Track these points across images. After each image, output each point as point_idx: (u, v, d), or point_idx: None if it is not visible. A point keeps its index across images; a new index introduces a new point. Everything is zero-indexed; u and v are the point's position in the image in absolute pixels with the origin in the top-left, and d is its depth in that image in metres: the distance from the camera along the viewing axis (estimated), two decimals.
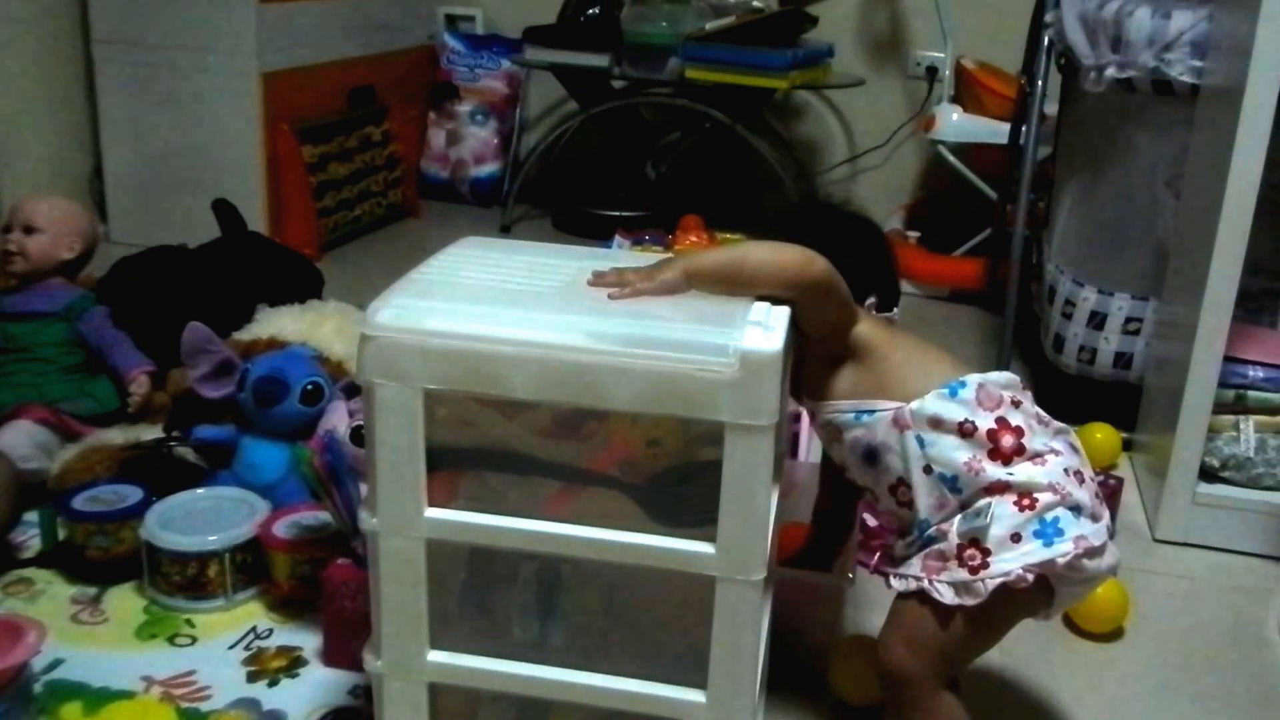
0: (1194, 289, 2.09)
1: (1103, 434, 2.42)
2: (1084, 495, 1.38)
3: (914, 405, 1.37)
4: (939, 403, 1.37)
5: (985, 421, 1.36)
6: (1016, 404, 1.39)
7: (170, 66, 3.40)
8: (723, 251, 1.38)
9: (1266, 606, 1.99)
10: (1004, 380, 1.40)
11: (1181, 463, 2.14)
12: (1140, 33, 2.32)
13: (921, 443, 1.38)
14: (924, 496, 1.39)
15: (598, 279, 1.33)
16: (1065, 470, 1.38)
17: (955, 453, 1.37)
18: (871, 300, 1.51)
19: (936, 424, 1.36)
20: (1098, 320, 2.55)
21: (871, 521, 1.96)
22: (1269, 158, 1.96)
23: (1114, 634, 1.87)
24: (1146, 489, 2.32)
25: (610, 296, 1.30)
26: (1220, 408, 2.14)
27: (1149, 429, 2.41)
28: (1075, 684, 1.76)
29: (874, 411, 1.40)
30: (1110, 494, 2.13)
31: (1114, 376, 2.56)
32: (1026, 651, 1.75)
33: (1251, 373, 2.19)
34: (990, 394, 1.37)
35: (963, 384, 1.38)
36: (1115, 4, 2.37)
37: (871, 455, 1.42)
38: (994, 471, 1.35)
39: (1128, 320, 2.52)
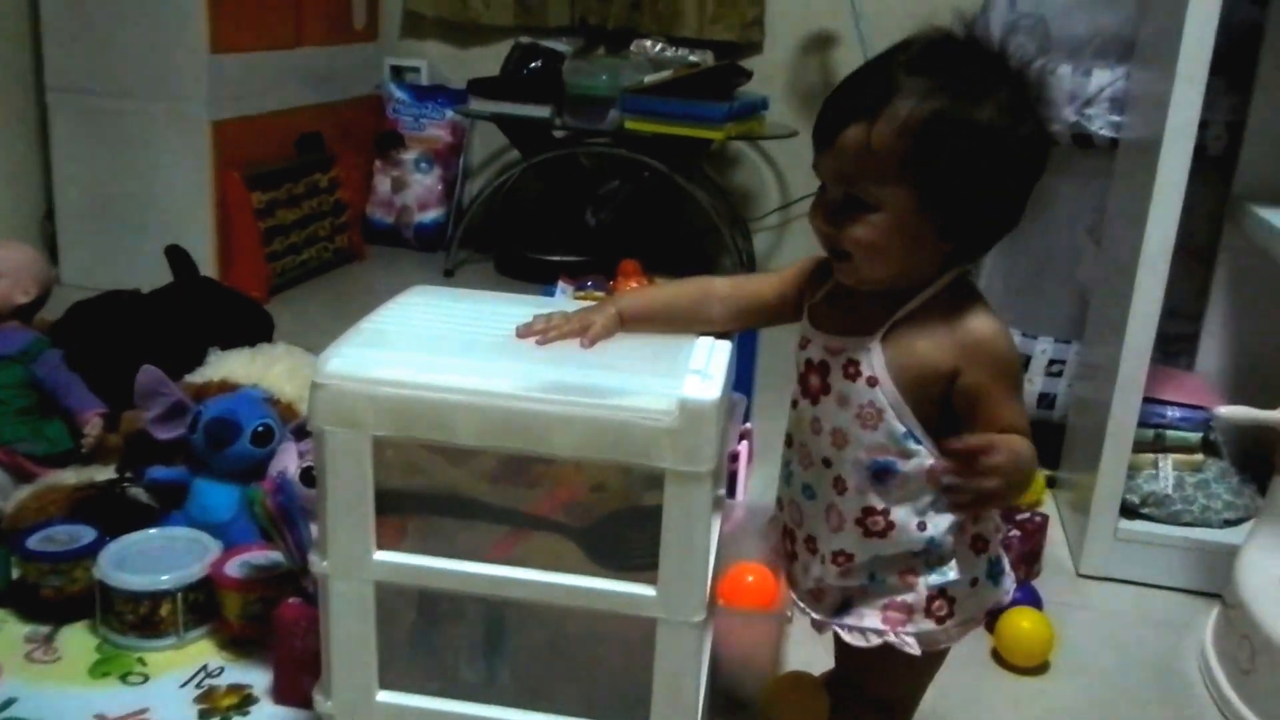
0: (1114, 333, 2.14)
1: None
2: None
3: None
4: None
5: None
6: None
7: (123, 114, 3.42)
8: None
9: (1186, 639, 2.03)
10: None
11: (1103, 500, 2.18)
12: (1062, 90, 2.40)
13: (936, 501, 1.30)
14: (898, 543, 1.30)
15: (525, 330, 1.33)
16: None
17: (952, 526, 1.30)
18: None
19: None
20: (1022, 362, 2.60)
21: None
22: (1184, 207, 2.00)
23: (1040, 668, 1.90)
24: (1070, 526, 2.37)
25: (536, 341, 1.31)
26: (1140, 446, 2.19)
27: (1072, 467, 2.46)
28: (1003, 718, 1.80)
29: (921, 442, 1.27)
30: (1035, 531, 2.18)
31: (1038, 417, 2.60)
32: (954, 686, 1.76)
33: (1169, 413, 2.25)
34: None
35: None
36: (1038, 62, 2.43)
37: (883, 473, 1.29)
38: (968, 530, 1.33)
39: (1051, 362, 2.59)
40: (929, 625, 1.33)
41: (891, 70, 1.21)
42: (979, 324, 1.25)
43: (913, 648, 1.34)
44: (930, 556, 1.32)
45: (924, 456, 1.27)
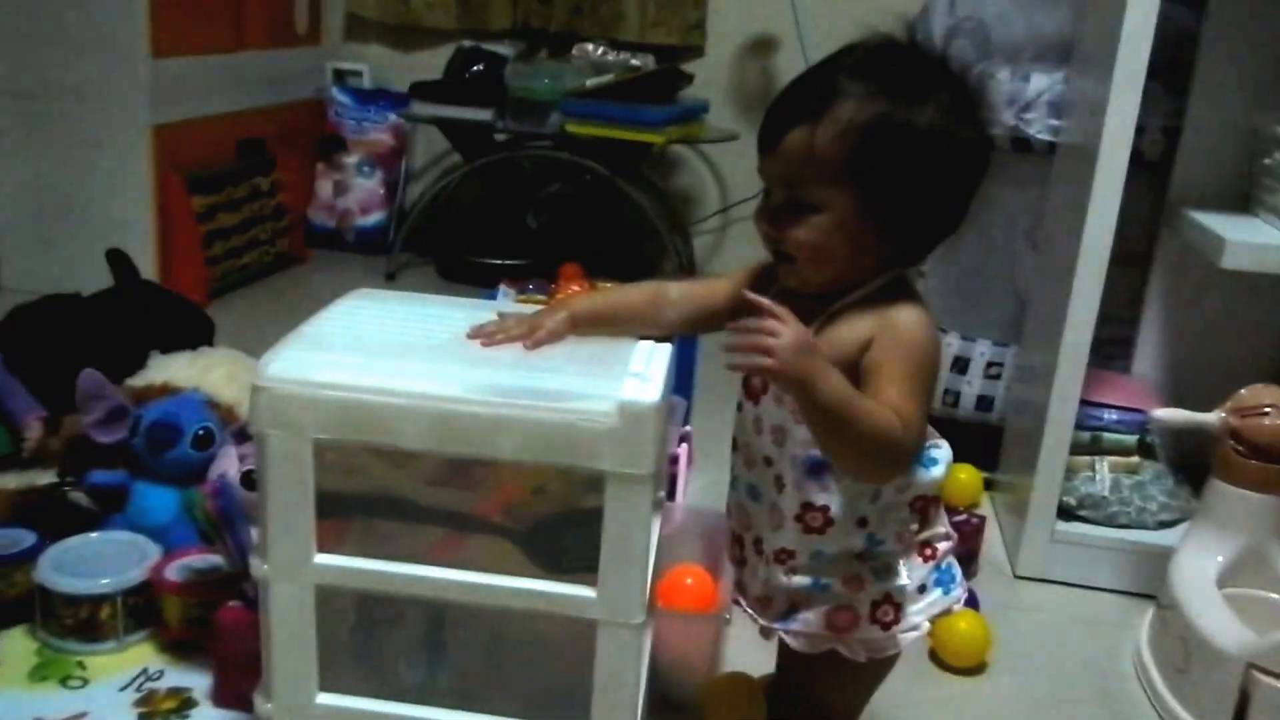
0: (1052, 336, 2.16)
1: (965, 474, 2.47)
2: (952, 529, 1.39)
3: None
4: (916, 472, 1.30)
5: (930, 499, 1.34)
6: None
7: (64, 118, 3.39)
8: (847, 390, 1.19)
9: (1122, 640, 2.06)
10: (950, 453, 1.35)
11: (1040, 502, 2.20)
12: (1001, 94, 2.42)
13: (876, 497, 1.29)
14: (838, 540, 1.30)
15: (477, 331, 1.33)
16: (942, 507, 1.38)
17: (895, 525, 1.31)
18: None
19: (903, 488, 1.30)
20: (961, 365, 2.63)
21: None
22: (1121, 211, 2.03)
23: (977, 668, 1.92)
24: (1007, 527, 2.39)
25: (483, 344, 1.31)
26: (1076, 449, 2.21)
27: (1009, 469, 2.48)
28: (940, 718, 1.81)
29: None
30: (973, 532, 2.20)
31: (976, 419, 2.64)
32: (891, 686, 1.75)
33: (1106, 415, 2.28)
34: (946, 470, 1.33)
35: (935, 461, 1.32)
36: (978, 67, 2.47)
37: (818, 467, 1.29)
38: (911, 537, 1.34)
39: (989, 365, 2.61)
40: (875, 631, 1.33)
41: (835, 75, 1.23)
42: (901, 311, 1.25)
43: (859, 654, 1.34)
44: (876, 561, 1.32)
45: None
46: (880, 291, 1.27)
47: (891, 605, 1.33)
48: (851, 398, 1.18)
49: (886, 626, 1.33)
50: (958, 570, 1.39)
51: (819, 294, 1.28)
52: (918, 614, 1.34)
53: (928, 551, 1.35)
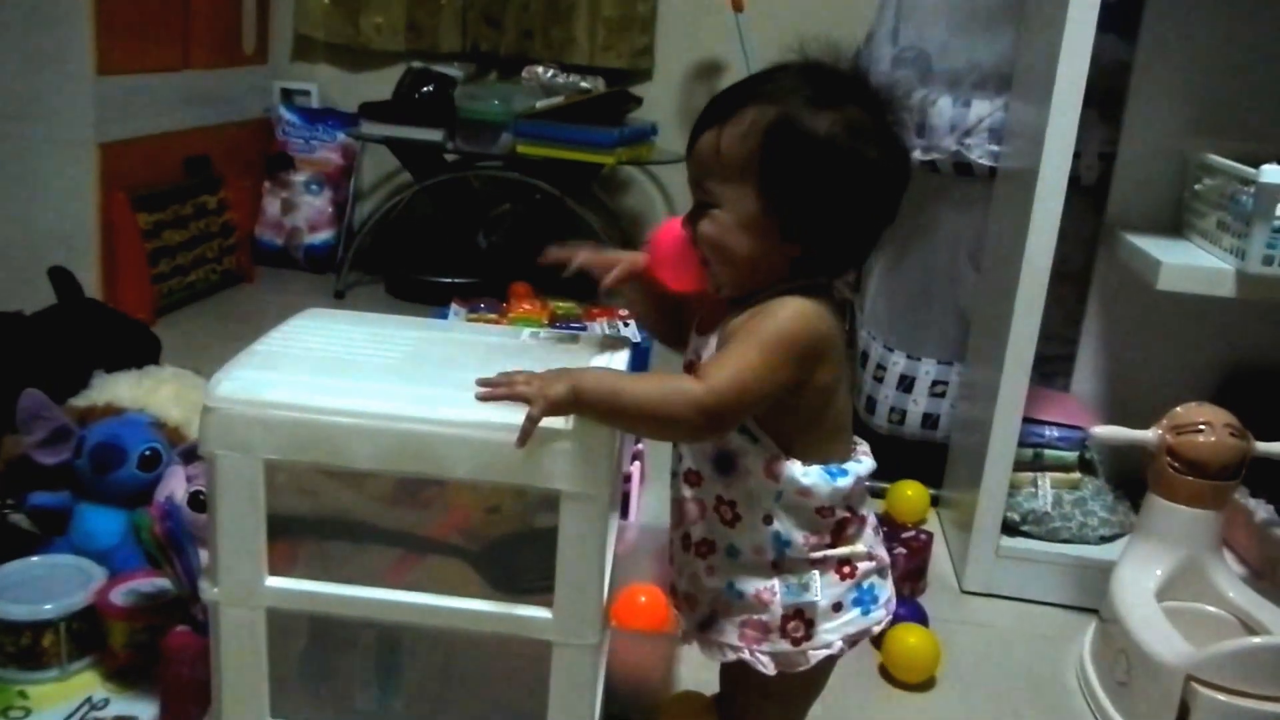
0: (994, 355, 2.19)
1: (912, 491, 2.49)
2: (885, 553, 1.38)
3: (797, 469, 1.28)
4: (818, 480, 1.29)
5: (842, 512, 1.32)
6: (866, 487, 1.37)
7: (8, 136, 3.35)
8: (610, 380, 1.24)
9: (1066, 653, 2.08)
10: (870, 470, 1.36)
11: (985, 517, 2.22)
12: (943, 119, 2.46)
13: (779, 498, 1.29)
14: (748, 534, 1.31)
15: (484, 381, 1.25)
16: (873, 529, 1.36)
17: (801, 528, 1.30)
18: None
19: (804, 494, 1.28)
20: (907, 384, 2.66)
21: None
22: (1059, 234, 2.06)
23: (926, 683, 1.93)
24: (953, 543, 2.41)
25: (482, 398, 1.23)
26: (1020, 465, 2.24)
27: (955, 486, 2.50)
28: None
29: (758, 440, 1.28)
30: (921, 548, 2.22)
31: (922, 436, 2.66)
32: (842, 701, 1.78)
33: (1047, 433, 2.31)
34: (858, 488, 1.33)
35: (844, 472, 1.31)
36: (921, 93, 2.50)
37: (725, 463, 1.31)
38: (824, 550, 1.32)
39: (934, 384, 2.64)
40: (785, 646, 1.33)
41: (754, 85, 1.29)
42: (784, 299, 1.26)
43: (767, 667, 1.33)
44: (788, 573, 1.32)
45: (761, 449, 1.28)
46: (787, 292, 1.28)
47: (802, 621, 1.32)
48: (615, 381, 1.24)
49: (797, 642, 1.33)
50: (883, 592, 1.38)
51: (738, 299, 1.30)
52: (830, 632, 1.33)
53: (846, 569, 1.33)
